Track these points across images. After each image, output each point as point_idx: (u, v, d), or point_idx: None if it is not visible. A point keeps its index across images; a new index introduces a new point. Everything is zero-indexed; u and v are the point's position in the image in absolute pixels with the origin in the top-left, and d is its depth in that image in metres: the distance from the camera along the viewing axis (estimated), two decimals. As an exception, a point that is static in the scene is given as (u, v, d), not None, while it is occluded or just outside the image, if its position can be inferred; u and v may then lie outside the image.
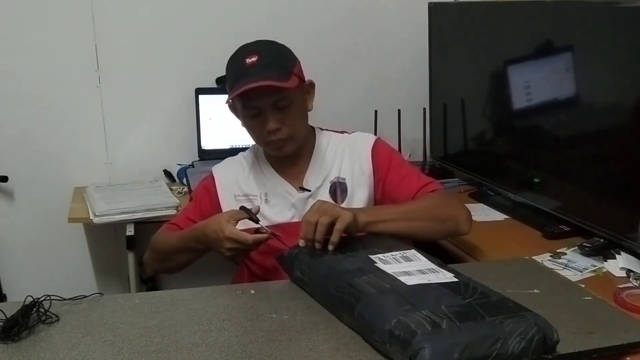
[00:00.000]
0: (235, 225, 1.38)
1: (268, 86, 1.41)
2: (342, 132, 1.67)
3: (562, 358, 1.01)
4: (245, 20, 2.45)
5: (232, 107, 1.56)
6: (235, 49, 1.51)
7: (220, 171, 1.64)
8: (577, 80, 1.81)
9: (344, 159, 1.60)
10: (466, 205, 1.63)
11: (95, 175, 2.46)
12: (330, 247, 1.29)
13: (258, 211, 1.46)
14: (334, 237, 1.29)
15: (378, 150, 1.60)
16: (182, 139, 2.51)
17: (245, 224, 1.43)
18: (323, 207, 1.34)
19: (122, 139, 2.48)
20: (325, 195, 1.56)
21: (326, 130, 1.67)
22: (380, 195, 1.59)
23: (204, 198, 1.63)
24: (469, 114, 2.36)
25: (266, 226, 1.44)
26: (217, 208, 1.58)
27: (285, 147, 1.52)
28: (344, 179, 1.58)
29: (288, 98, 1.46)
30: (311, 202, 1.54)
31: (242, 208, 1.46)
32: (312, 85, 1.57)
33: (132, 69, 2.43)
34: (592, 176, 1.79)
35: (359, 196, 1.57)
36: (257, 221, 1.41)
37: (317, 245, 1.30)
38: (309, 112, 1.57)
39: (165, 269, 1.64)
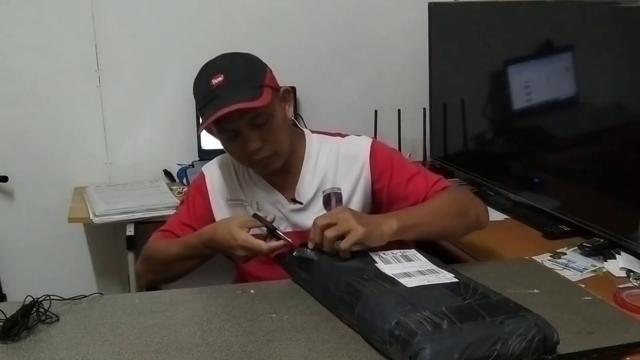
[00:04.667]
0: (247, 232, 1.31)
1: (240, 109, 1.31)
2: (335, 135, 1.56)
3: (562, 358, 1.01)
4: (245, 20, 2.45)
5: (209, 130, 1.43)
6: (212, 61, 1.42)
7: (211, 172, 1.55)
8: (577, 80, 1.81)
9: (339, 167, 1.49)
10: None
11: (95, 175, 2.46)
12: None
13: (274, 220, 1.37)
14: (341, 254, 1.24)
15: (377, 155, 1.50)
16: (182, 139, 2.51)
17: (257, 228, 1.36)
18: (339, 215, 1.26)
19: (122, 139, 2.49)
20: (318, 207, 1.48)
21: (317, 133, 1.56)
22: (386, 202, 1.49)
23: (197, 200, 1.54)
24: (469, 114, 2.36)
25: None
26: (210, 210, 1.52)
27: (271, 165, 1.42)
28: (339, 189, 1.49)
29: (264, 113, 1.36)
30: (304, 214, 1.47)
31: (255, 216, 1.37)
32: (287, 91, 1.46)
33: (132, 69, 2.43)
34: (592, 176, 1.79)
35: (353, 204, 1.48)
36: (273, 229, 1.34)
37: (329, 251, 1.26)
38: (302, 116, 1.51)
39: (163, 279, 1.54)
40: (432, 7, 2.46)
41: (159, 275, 1.52)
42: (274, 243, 1.31)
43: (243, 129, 1.36)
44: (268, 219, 1.36)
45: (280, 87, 1.44)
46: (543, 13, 1.90)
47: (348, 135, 1.56)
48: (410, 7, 2.55)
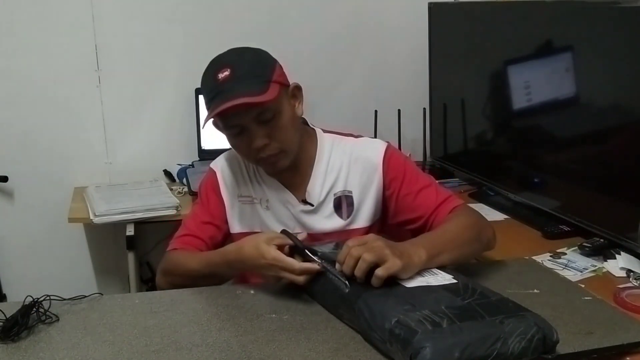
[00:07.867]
0: (276, 249, 1.22)
1: (244, 104, 1.28)
2: (347, 135, 1.52)
3: (562, 358, 1.02)
4: (245, 20, 2.45)
5: (216, 125, 1.40)
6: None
7: (221, 168, 1.51)
8: (577, 80, 1.81)
9: (351, 170, 1.46)
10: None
11: (95, 175, 2.46)
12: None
13: (305, 238, 1.27)
14: (375, 282, 1.11)
15: (390, 160, 1.45)
16: (182, 139, 2.51)
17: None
18: (374, 244, 1.14)
19: (122, 139, 2.49)
20: (329, 210, 1.45)
21: (330, 132, 1.52)
22: (394, 210, 1.46)
23: (211, 197, 1.50)
24: (469, 114, 2.36)
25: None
26: (224, 207, 1.49)
27: (278, 163, 1.38)
28: (351, 192, 1.45)
29: (271, 109, 1.32)
30: (314, 216, 1.45)
31: (284, 232, 1.27)
32: (297, 88, 1.42)
33: (132, 69, 2.44)
34: (592, 176, 1.79)
35: (365, 210, 1.46)
36: (303, 249, 1.21)
37: (359, 280, 1.13)
38: (304, 116, 1.46)
39: None
40: (432, 7, 2.46)
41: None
42: (306, 264, 1.20)
43: (249, 125, 1.33)
44: (299, 237, 1.25)
45: (291, 83, 1.41)
46: (543, 13, 1.90)
47: (361, 136, 1.53)
48: (410, 7, 2.55)
